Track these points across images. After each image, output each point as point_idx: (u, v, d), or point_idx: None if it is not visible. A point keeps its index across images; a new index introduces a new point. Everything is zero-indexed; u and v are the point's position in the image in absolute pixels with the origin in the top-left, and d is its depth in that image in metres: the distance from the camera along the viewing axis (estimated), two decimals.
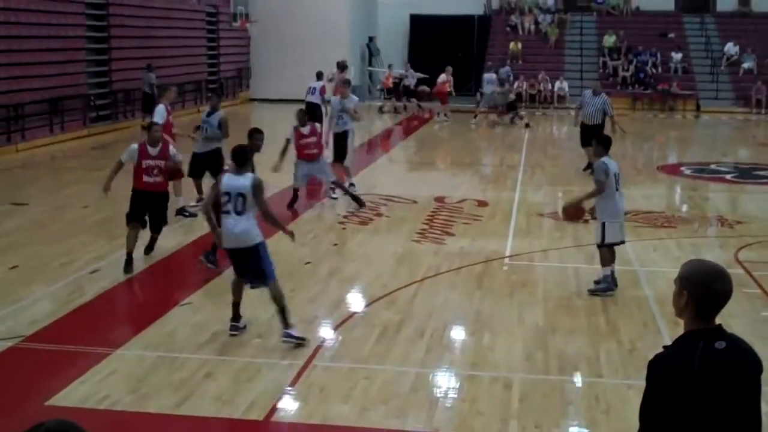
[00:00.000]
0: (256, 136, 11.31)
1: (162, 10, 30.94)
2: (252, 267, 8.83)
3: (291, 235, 9.19)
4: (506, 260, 12.28)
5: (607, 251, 10.73)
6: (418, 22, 40.90)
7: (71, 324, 9.37)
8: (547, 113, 34.52)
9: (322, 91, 23.68)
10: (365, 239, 13.75)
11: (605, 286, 10.65)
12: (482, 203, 16.20)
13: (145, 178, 11.59)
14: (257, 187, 8.74)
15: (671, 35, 39.11)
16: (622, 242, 10.99)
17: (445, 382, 8.12)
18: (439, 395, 7.82)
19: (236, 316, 9.08)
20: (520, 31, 40.17)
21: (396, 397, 7.63)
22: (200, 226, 14.27)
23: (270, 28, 37.04)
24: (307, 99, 23.04)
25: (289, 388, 7.84)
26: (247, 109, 36.12)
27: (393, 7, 41.04)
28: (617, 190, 10.66)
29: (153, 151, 11.66)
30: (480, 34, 40.18)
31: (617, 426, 7.06)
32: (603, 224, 10.67)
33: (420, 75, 34.29)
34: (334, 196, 16.18)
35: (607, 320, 9.69)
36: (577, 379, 8.13)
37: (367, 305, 10.27)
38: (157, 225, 11.91)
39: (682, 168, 21.42)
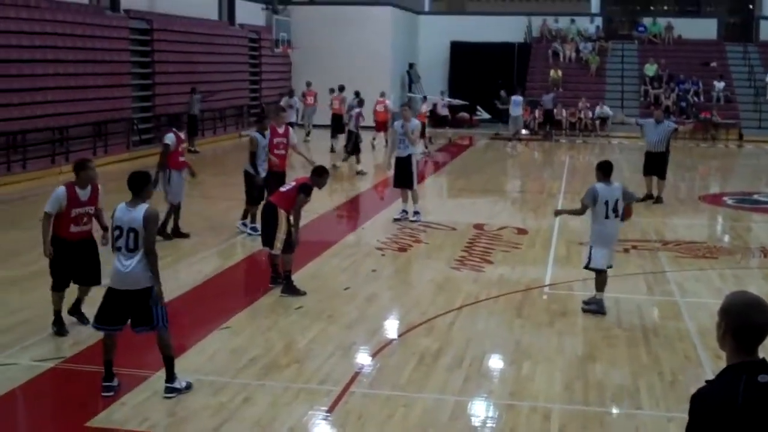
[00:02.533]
0: (324, 176, 11.52)
1: (205, 36, 31.31)
2: (140, 310, 7.95)
3: (157, 295, 8.00)
4: (546, 289, 12.22)
5: (600, 278, 10.92)
6: (458, 49, 41.04)
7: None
8: (587, 141, 34.40)
9: (357, 116, 24.35)
10: (404, 266, 13.75)
11: (595, 308, 10.88)
12: (522, 231, 16.15)
13: (73, 228, 9.74)
14: (149, 220, 7.91)
15: (713, 64, 38.93)
16: (609, 267, 11.08)
17: (484, 411, 8.07)
18: (477, 424, 7.77)
19: (110, 375, 8.13)
20: (561, 59, 40.15)
21: (434, 426, 7.59)
22: (241, 249, 14.39)
23: (311, 54, 37.30)
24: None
25: (327, 415, 7.83)
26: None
27: (434, 35, 41.26)
28: (607, 217, 10.75)
29: (83, 194, 9.76)
30: (520, 61, 40.21)
31: None
32: (590, 248, 10.89)
33: (458, 102, 34.39)
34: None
35: (648, 351, 9.60)
36: (617, 411, 8.05)
37: (406, 332, 10.24)
38: (90, 277, 9.99)
39: (725, 198, 21.23)
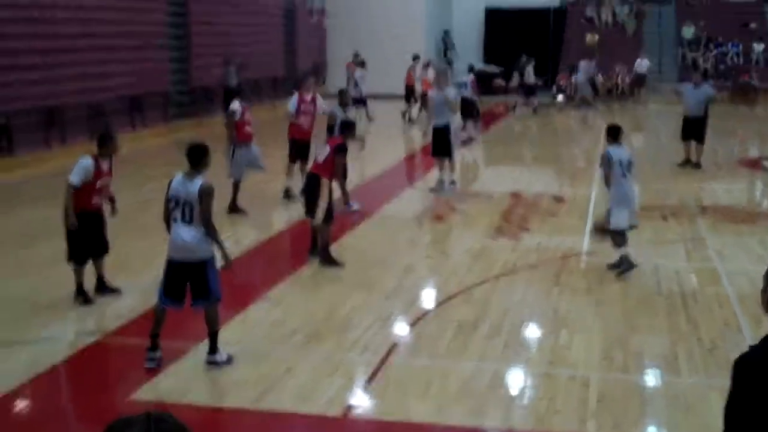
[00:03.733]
0: (352, 128, 12.02)
1: (241, 6, 31.25)
2: (196, 284, 8.08)
3: (229, 263, 8.34)
4: (583, 257, 12.20)
5: (618, 236, 11.05)
6: (493, 15, 40.77)
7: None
8: (624, 106, 34.07)
9: (472, 84, 24.46)
10: (441, 235, 13.77)
11: (626, 267, 10.97)
12: (559, 199, 16.10)
13: (95, 200, 9.89)
14: (205, 194, 7.94)
15: (752, 25, 38.34)
16: (633, 227, 11.24)
17: (522, 380, 8.11)
18: (515, 393, 7.82)
19: (155, 346, 8.21)
20: (597, 23, 39.75)
21: (473, 395, 7.65)
22: (279, 221, 14.47)
23: (346, 22, 37.21)
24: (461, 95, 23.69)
25: (366, 384, 7.91)
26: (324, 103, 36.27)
27: (468, 1, 40.94)
28: (624, 176, 11.02)
29: (105, 166, 9.95)
30: (556, 26, 39.88)
31: (697, 426, 6.98)
32: (609, 210, 11.09)
33: (493, 68, 34.15)
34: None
35: (687, 318, 9.58)
36: (657, 378, 8.06)
37: (443, 302, 10.29)
38: (103, 247, 10.15)
39: (764, 162, 21.01)
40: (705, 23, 38.00)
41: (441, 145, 16.67)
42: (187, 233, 7.96)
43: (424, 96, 27.84)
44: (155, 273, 10.64)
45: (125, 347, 8.81)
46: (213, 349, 8.18)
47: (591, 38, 38.25)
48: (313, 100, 15.71)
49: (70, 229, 9.69)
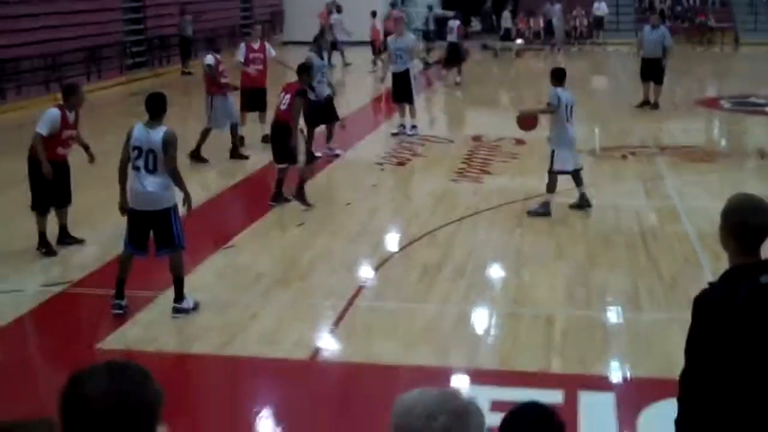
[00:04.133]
0: (310, 69, 12.16)
1: None
2: (160, 232, 8.08)
3: (190, 208, 8.32)
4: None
5: (554, 179, 11.17)
6: None
7: (114, 268, 9.53)
8: (583, 49, 34.12)
9: (458, 30, 24.52)
10: (403, 179, 13.80)
11: (543, 211, 11.14)
12: (520, 141, 16.11)
13: (60, 150, 9.83)
14: (169, 142, 7.92)
15: None
16: (578, 169, 11.35)
17: (487, 319, 8.20)
18: (481, 332, 7.92)
19: (121, 294, 8.19)
20: None
21: (439, 335, 7.73)
22: (240, 169, 14.41)
23: None
24: (448, 39, 24.52)
25: (332, 328, 7.96)
26: (281, 52, 35.99)
27: None
28: (568, 120, 11.09)
29: (71, 117, 9.84)
30: None
31: (659, 360, 7.09)
32: (552, 152, 11.13)
33: (448, 13, 33.89)
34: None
35: (647, 255, 9.70)
36: (619, 314, 8.18)
37: (407, 244, 10.34)
38: (66, 198, 10.14)
39: (721, 102, 21.19)
40: None
41: (401, 91, 16.64)
42: (151, 182, 7.92)
43: (373, 43, 27.83)
44: (117, 223, 10.56)
45: (90, 297, 8.78)
46: (179, 296, 8.18)
47: None
48: (262, 48, 15.62)
49: (47, 178, 9.62)
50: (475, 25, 33.80)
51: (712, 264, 9.03)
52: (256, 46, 15.61)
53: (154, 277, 8.69)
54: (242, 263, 9.69)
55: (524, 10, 35.83)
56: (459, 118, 20.67)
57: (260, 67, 15.56)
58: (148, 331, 7.88)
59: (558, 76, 11.30)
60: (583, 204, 11.30)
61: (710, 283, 3.74)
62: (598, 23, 35.12)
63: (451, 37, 24.37)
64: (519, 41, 32.18)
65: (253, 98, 15.40)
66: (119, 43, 25.79)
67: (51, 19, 22.47)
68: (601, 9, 35.04)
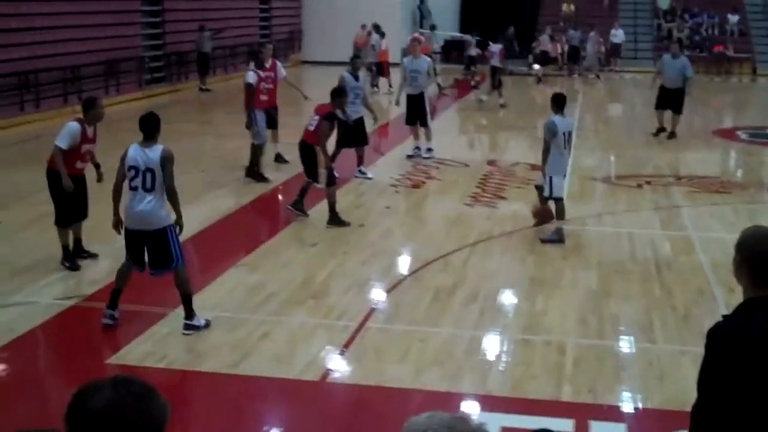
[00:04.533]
0: (344, 96, 12.37)
1: None
2: (155, 252, 8.11)
3: (181, 229, 8.30)
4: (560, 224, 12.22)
5: (559, 205, 11.35)
6: None
7: (130, 284, 9.50)
8: (600, 76, 34.08)
9: (501, 54, 25.16)
10: (418, 202, 13.79)
11: (556, 238, 11.21)
12: (535, 167, 16.07)
13: (79, 164, 9.92)
14: (167, 161, 7.97)
15: None
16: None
17: (499, 345, 8.17)
18: (492, 358, 7.88)
19: (114, 304, 8.27)
20: None
21: (450, 360, 7.69)
22: (254, 188, 14.42)
23: None
24: (491, 63, 25.13)
25: (343, 350, 7.93)
26: (299, 71, 36.16)
27: None
28: (565, 147, 11.23)
29: (90, 131, 9.89)
30: None
31: (671, 392, 7.05)
32: (550, 178, 11.22)
33: (467, 37, 33.96)
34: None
35: (661, 285, 9.66)
36: (631, 345, 8.14)
37: (421, 268, 10.32)
38: (83, 212, 10.18)
39: (738, 132, 21.13)
40: None
41: (416, 113, 16.63)
42: (148, 202, 7.96)
43: (379, 65, 27.87)
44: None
45: (102, 312, 8.75)
46: (189, 314, 8.17)
47: (567, 7, 38.25)
48: (273, 67, 15.66)
49: (67, 191, 9.65)
50: (493, 48, 33.77)
51: (726, 296, 8.99)
52: (267, 64, 15.65)
53: (166, 293, 8.68)
54: (254, 282, 9.68)
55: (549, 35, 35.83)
56: (475, 142, 20.66)
57: (271, 86, 15.58)
58: (159, 347, 7.87)
59: (559, 102, 11.36)
60: (557, 234, 11.33)
61: (724, 316, 3.72)
62: (615, 50, 35.12)
63: (494, 61, 24.99)
64: (536, 67, 32.19)
65: (267, 117, 15.41)
66: (138, 57, 25.93)
67: (70, 32, 22.62)
68: (618, 36, 35.05)
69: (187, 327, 8.15)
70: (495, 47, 25.51)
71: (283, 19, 37.23)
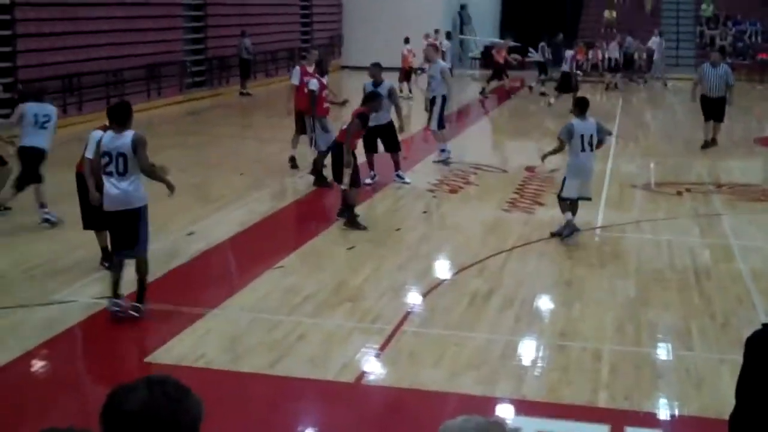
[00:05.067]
0: (378, 99, 12.56)
1: None
2: (125, 231, 8.42)
3: (172, 190, 8.78)
4: (598, 231, 12.19)
5: (565, 204, 11.42)
6: None
7: (168, 284, 9.62)
8: (640, 82, 33.85)
9: (572, 58, 25.61)
10: (455, 207, 13.78)
11: (569, 231, 11.26)
12: None
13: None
14: (139, 143, 8.24)
15: None
16: (586, 199, 11.62)
17: (535, 350, 8.14)
18: (528, 364, 7.85)
19: (115, 293, 8.57)
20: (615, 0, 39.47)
21: (485, 365, 7.68)
22: (293, 191, 14.51)
23: None
24: (562, 68, 25.72)
25: (379, 353, 7.94)
26: (340, 76, 36.26)
27: None
28: (583, 150, 11.26)
29: None
30: (573, 2, 39.60)
31: (709, 401, 6.98)
32: (564, 179, 11.43)
33: (512, 43, 33.87)
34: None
35: (700, 293, 9.58)
36: (669, 352, 8.08)
37: (457, 273, 10.31)
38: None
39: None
40: (723, 1, 37.69)
41: (429, 117, 16.92)
42: (123, 184, 8.25)
43: (406, 71, 28.04)
44: (164, 241, 10.72)
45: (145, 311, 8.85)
46: (140, 299, 8.54)
47: (609, 14, 38.05)
48: (317, 72, 15.71)
49: (94, 203, 9.53)
50: (533, 55, 33.61)
51: (766, 305, 8.91)
52: (310, 69, 15.70)
53: (204, 294, 8.77)
54: (291, 284, 9.73)
55: (583, 41, 35.65)
56: (513, 148, 20.61)
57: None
58: (196, 346, 7.93)
59: (581, 106, 11.51)
60: (562, 232, 11.35)
61: (764, 324, 3.69)
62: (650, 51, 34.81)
63: (565, 67, 25.42)
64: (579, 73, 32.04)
65: (305, 121, 15.43)
66: (179, 62, 26.17)
67: (114, 36, 22.87)
68: (655, 43, 34.73)
69: (133, 308, 8.47)
70: (568, 53, 25.89)
71: (324, 24, 37.39)
